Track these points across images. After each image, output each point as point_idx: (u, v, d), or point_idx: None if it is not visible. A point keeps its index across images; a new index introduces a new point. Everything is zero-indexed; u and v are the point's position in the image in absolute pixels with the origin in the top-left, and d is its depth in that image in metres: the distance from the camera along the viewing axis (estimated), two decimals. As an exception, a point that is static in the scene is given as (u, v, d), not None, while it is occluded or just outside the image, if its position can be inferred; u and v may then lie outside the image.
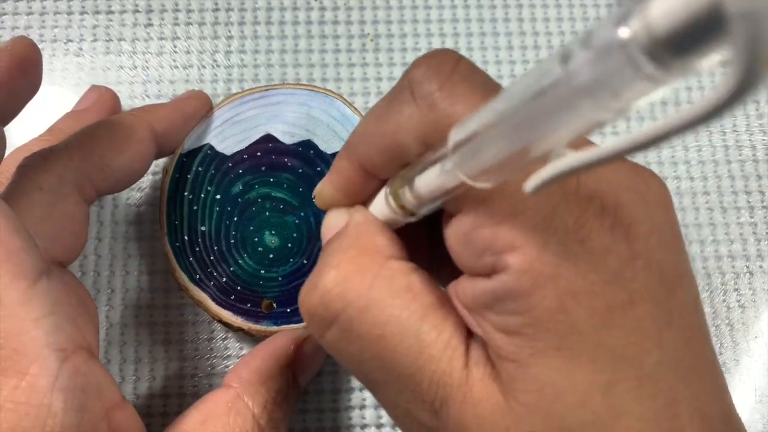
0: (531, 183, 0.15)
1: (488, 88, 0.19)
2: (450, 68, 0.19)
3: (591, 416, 0.17)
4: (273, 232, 0.32)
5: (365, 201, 0.24)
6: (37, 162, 0.25)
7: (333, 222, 0.24)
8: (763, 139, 0.37)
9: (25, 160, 0.25)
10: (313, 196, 0.25)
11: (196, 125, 0.32)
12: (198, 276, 0.31)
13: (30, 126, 0.30)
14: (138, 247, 0.34)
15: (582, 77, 0.13)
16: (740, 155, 0.36)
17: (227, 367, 0.33)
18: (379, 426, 0.33)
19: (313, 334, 0.22)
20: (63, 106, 0.33)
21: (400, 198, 0.21)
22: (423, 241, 0.24)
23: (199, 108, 0.33)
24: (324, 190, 0.24)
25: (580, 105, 0.13)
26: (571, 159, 0.14)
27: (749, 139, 0.37)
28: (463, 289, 0.20)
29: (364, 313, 0.20)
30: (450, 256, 0.20)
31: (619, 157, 0.13)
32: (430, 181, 0.19)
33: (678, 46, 0.11)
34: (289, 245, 0.32)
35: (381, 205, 0.22)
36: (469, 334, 0.20)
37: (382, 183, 0.22)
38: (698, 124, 0.11)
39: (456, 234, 0.19)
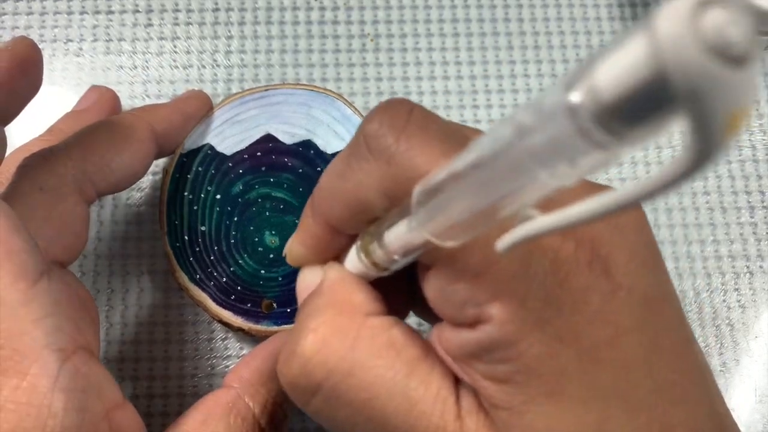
0: (502, 243, 0.14)
1: (445, 135, 0.19)
2: (404, 120, 0.19)
3: None
4: (273, 232, 0.32)
5: (338, 256, 0.23)
6: (38, 162, 0.25)
7: (307, 281, 0.23)
8: (763, 139, 0.37)
9: (25, 161, 0.25)
10: (283, 254, 0.25)
11: (196, 125, 0.32)
12: (198, 276, 0.31)
13: (30, 126, 0.30)
14: (138, 247, 0.34)
15: (534, 143, 0.12)
16: (740, 155, 0.36)
17: (227, 367, 0.33)
18: (380, 426, 0.33)
19: (297, 404, 0.21)
20: (63, 106, 0.33)
21: (371, 254, 0.20)
22: (402, 284, 0.24)
23: (199, 108, 0.33)
24: (294, 248, 0.24)
25: (535, 171, 0.12)
26: (538, 223, 0.13)
27: (749, 139, 0.37)
28: (448, 338, 0.19)
29: (348, 377, 0.19)
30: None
31: (586, 222, 0.12)
32: (399, 237, 0.18)
33: (627, 115, 0.10)
34: (290, 245, 0.32)
35: (354, 260, 0.22)
36: (457, 381, 0.20)
37: (353, 237, 0.22)
38: (660, 193, 0.11)
39: (433, 288, 0.19)
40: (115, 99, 0.34)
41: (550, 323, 0.17)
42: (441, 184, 0.16)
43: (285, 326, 0.31)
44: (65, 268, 0.25)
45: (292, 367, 0.20)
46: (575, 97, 0.11)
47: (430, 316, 0.21)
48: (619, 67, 0.10)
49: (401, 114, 0.19)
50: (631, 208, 0.12)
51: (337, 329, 0.20)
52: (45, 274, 0.21)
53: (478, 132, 0.21)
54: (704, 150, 0.10)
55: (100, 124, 0.28)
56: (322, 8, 0.38)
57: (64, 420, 0.20)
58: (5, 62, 0.22)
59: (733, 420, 0.20)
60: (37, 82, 0.24)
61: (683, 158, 0.10)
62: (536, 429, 0.17)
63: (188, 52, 0.37)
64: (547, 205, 0.14)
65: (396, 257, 0.19)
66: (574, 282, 0.17)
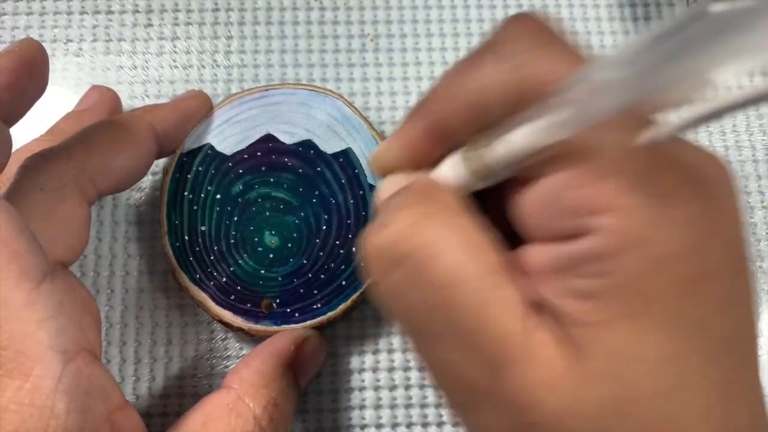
0: (663, 130, 0.14)
1: (575, 48, 0.19)
2: (538, 28, 0.19)
3: (660, 386, 0.17)
4: (273, 232, 0.32)
5: (427, 171, 0.23)
6: (38, 163, 0.25)
7: (392, 184, 0.23)
8: (763, 139, 0.37)
9: (26, 161, 0.25)
10: (368, 160, 0.24)
11: (196, 125, 0.32)
12: (198, 276, 0.31)
13: (30, 126, 0.30)
14: (138, 247, 0.34)
15: None
16: (740, 155, 0.37)
17: (227, 367, 0.33)
18: (379, 426, 0.33)
19: (372, 278, 0.20)
20: (63, 106, 0.33)
21: (477, 160, 0.20)
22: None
23: (199, 108, 0.33)
24: (385, 152, 0.23)
25: (754, 26, 0.12)
26: (721, 100, 0.13)
27: (749, 139, 0.37)
28: (530, 254, 0.19)
29: (433, 257, 0.19)
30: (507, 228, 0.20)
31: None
32: (517, 141, 0.18)
33: None
34: (289, 245, 0.32)
35: (449, 172, 0.21)
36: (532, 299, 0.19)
37: (447, 153, 0.22)
38: None
39: (535, 198, 0.19)
40: (116, 99, 0.34)
41: (654, 243, 0.17)
42: (612, 69, 0.15)
43: (285, 326, 0.31)
44: (67, 269, 0.25)
45: (381, 236, 0.20)
46: None
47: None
48: None
49: (537, 23, 0.19)
50: None
51: (429, 214, 0.20)
52: (49, 275, 0.21)
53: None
54: None
55: (101, 124, 0.28)
56: (322, 8, 0.38)
57: (66, 421, 0.20)
58: (12, 63, 0.22)
59: None
60: (43, 83, 0.24)
61: None
62: (614, 348, 0.17)
63: (188, 52, 0.37)
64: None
65: (507, 164, 0.19)
66: (684, 208, 0.17)
